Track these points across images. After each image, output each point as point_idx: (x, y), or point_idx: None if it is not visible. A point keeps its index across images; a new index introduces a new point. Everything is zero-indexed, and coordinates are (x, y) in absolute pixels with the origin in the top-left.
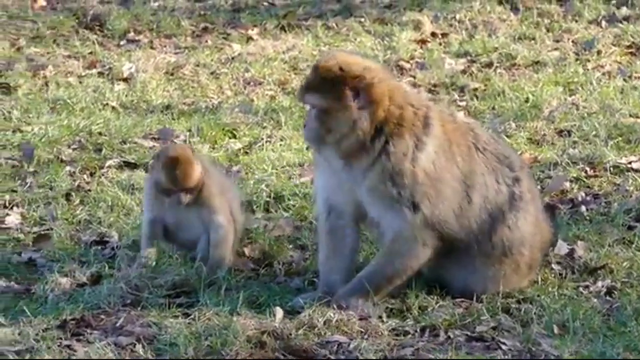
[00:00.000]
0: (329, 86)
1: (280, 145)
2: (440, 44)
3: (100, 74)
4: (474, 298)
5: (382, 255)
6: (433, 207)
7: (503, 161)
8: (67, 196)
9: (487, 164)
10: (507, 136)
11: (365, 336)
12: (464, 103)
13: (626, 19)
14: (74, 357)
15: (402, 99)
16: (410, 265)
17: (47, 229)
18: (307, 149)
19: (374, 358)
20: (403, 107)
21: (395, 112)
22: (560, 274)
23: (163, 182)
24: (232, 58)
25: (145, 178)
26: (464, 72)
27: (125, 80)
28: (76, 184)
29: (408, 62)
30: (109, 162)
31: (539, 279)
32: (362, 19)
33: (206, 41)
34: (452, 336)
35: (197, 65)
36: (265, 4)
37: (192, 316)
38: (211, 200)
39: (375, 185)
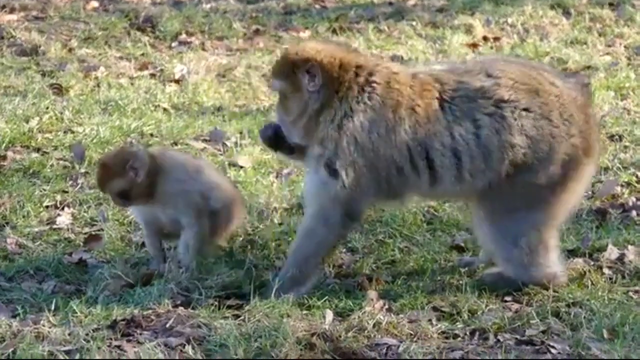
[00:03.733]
0: (286, 71)
1: None
2: (491, 47)
3: (152, 75)
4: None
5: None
6: (353, 177)
7: (474, 96)
8: None
9: (453, 113)
10: None
11: (415, 339)
12: None
13: None
14: (124, 358)
15: (349, 65)
16: (322, 235)
17: (98, 230)
18: None
19: None
20: (345, 75)
21: (338, 81)
22: (611, 279)
23: None
24: None
25: None
26: None
27: (176, 81)
28: None
29: None
30: None
31: (589, 283)
32: (414, 23)
33: (258, 43)
34: (501, 339)
35: (249, 68)
36: (317, 6)
37: (242, 317)
38: (170, 199)
39: (311, 153)
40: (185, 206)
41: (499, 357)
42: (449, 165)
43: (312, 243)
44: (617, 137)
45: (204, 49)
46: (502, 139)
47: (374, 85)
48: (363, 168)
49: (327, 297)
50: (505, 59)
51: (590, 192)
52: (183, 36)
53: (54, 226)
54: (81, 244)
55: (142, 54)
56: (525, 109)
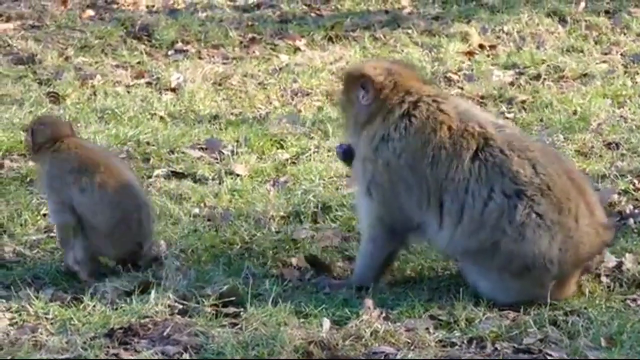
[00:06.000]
0: (344, 87)
1: (328, 156)
2: (488, 55)
3: (148, 83)
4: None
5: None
6: (384, 199)
7: (506, 174)
8: None
9: (478, 173)
10: (555, 148)
11: (412, 347)
12: (511, 115)
13: None
14: None
15: (402, 89)
16: (372, 251)
17: None
18: None
19: None
20: (393, 96)
21: (384, 101)
22: (608, 287)
23: None
24: (280, 69)
25: None
26: (511, 84)
27: (173, 90)
28: None
29: (456, 73)
30: (156, 172)
31: (587, 292)
32: (410, 31)
33: (254, 52)
34: (499, 348)
35: (245, 76)
36: (313, 14)
37: (239, 326)
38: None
39: (354, 166)
40: (49, 193)
41: None
42: (454, 214)
43: (365, 259)
44: (614, 145)
45: (200, 57)
46: (500, 224)
47: (415, 116)
48: (395, 189)
49: (324, 305)
50: (564, 165)
51: None
52: (179, 44)
53: (51, 234)
54: None
55: (139, 63)
56: (538, 215)
